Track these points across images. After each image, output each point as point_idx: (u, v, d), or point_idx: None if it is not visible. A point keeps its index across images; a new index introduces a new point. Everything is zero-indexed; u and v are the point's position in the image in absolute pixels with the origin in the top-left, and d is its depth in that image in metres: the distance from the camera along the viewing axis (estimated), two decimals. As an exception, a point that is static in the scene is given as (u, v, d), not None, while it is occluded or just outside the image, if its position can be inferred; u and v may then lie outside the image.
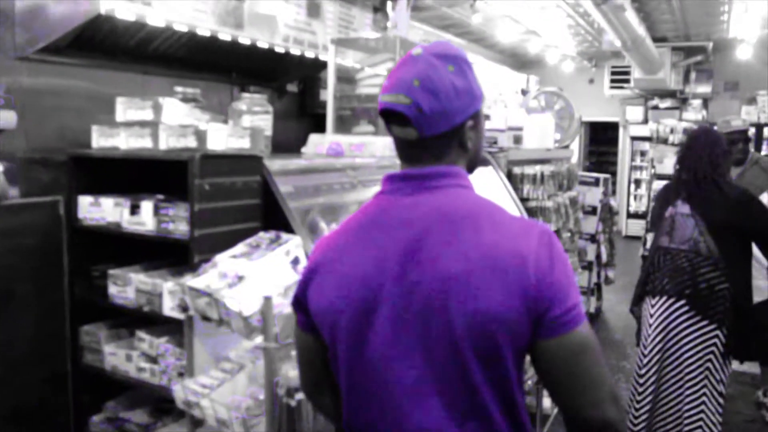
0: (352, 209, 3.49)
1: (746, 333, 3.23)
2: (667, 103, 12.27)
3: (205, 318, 2.09)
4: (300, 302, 1.35)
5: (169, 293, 2.53)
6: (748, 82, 11.49)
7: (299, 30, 4.47)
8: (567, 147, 6.54)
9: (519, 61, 13.01)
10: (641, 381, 3.37)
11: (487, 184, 4.62)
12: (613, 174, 13.76)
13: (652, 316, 3.34)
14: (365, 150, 3.67)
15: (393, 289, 1.20)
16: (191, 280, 2.11)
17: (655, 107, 12.37)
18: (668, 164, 8.05)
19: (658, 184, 8.12)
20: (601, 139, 15.16)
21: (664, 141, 9.04)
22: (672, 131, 8.87)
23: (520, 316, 1.13)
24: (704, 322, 3.19)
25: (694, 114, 11.74)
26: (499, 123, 5.33)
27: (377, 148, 3.66)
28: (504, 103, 7.94)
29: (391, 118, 1.24)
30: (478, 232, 1.17)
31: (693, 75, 11.84)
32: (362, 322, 1.22)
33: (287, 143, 4.14)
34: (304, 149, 3.76)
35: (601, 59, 12.66)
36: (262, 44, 4.18)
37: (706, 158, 3.28)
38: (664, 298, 3.29)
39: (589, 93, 12.98)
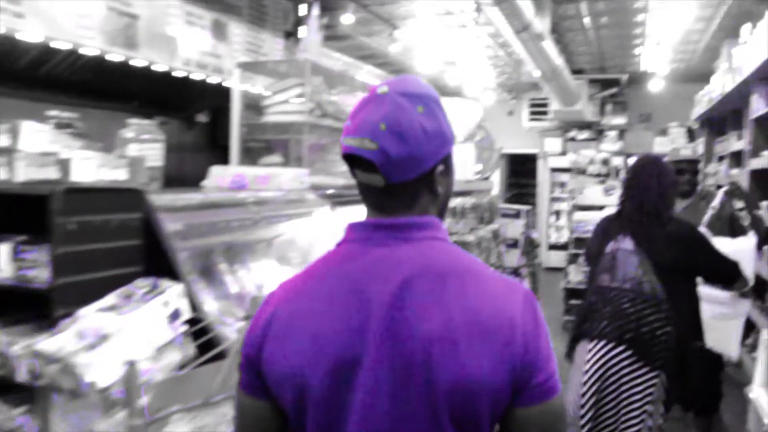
0: (257, 248, 3.16)
1: (689, 380, 3.03)
2: (584, 134, 12.42)
3: (58, 388, 1.71)
4: (252, 363, 1.19)
5: (19, 357, 2.12)
6: (660, 114, 11.75)
7: (203, 53, 4.14)
8: (488, 179, 6.39)
9: (439, 92, 12.87)
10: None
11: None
12: (533, 206, 13.84)
13: (588, 361, 3.08)
14: (271, 182, 3.36)
15: (372, 351, 1.10)
16: (42, 342, 1.73)
17: (573, 138, 12.51)
18: (588, 195, 8.02)
19: (579, 216, 8.08)
20: (521, 171, 15.26)
21: (583, 172, 9.05)
22: (591, 162, 8.90)
23: (505, 382, 1.09)
24: (645, 369, 2.96)
25: (610, 145, 11.89)
26: (418, 153, 5.12)
27: (284, 181, 3.35)
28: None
29: (355, 162, 1.17)
30: (463, 291, 1.11)
31: (609, 107, 12.04)
32: (339, 389, 1.11)
33: (196, 177, 3.80)
34: (204, 182, 3.43)
35: (521, 91, 12.75)
36: (160, 67, 3.83)
37: (654, 189, 3.07)
38: (603, 342, 3.03)
39: (508, 125, 13.02)
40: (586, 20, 7.77)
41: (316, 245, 3.58)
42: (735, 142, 7.60)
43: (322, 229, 3.47)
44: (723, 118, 8.64)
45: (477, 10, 6.41)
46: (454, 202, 4.72)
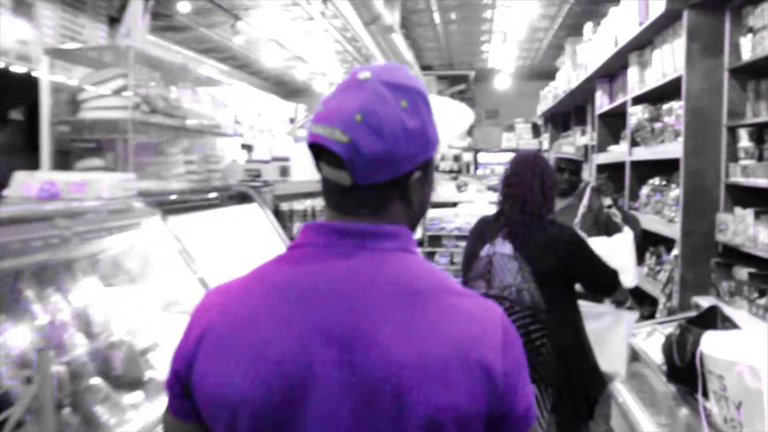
0: (76, 268, 2.67)
1: (579, 393, 2.84)
2: (434, 131, 12.44)
3: None
4: (181, 381, 1.04)
5: None
6: (506, 111, 12.01)
7: (2, 37, 3.52)
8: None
9: (286, 89, 12.55)
10: None
11: (251, 225, 3.96)
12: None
13: None
14: (89, 190, 2.85)
15: (326, 376, 0.96)
16: None
17: (424, 135, 12.52)
18: (441, 192, 7.96)
19: (432, 213, 8.00)
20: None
21: (435, 168, 9.03)
22: (443, 158, 8.85)
23: (482, 413, 0.98)
24: None
25: (460, 141, 12.01)
26: (263, 153, 4.71)
27: (105, 188, 2.85)
28: (270, 132, 7.39)
29: (321, 154, 1.01)
30: (437, 312, 0.99)
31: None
32: (283, 415, 0.97)
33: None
34: (6, 192, 2.87)
35: (370, 88, 12.58)
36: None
37: (537, 188, 2.82)
38: None
39: (359, 122, 12.84)
40: (436, 15, 7.67)
41: (147, 260, 3.13)
42: (579, 137, 7.79)
43: (152, 241, 3.02)
44: (567, 114, 8.88)
45: (325, 1, 6.10)
46: (304, 205, 4.36)
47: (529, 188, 2.82)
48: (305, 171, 4.82)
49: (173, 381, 1.06)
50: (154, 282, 3.11)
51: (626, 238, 3.38)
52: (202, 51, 9.05)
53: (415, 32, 8.70)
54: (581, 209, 3.68)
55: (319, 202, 4.47)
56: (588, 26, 6.47)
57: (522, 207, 2.82)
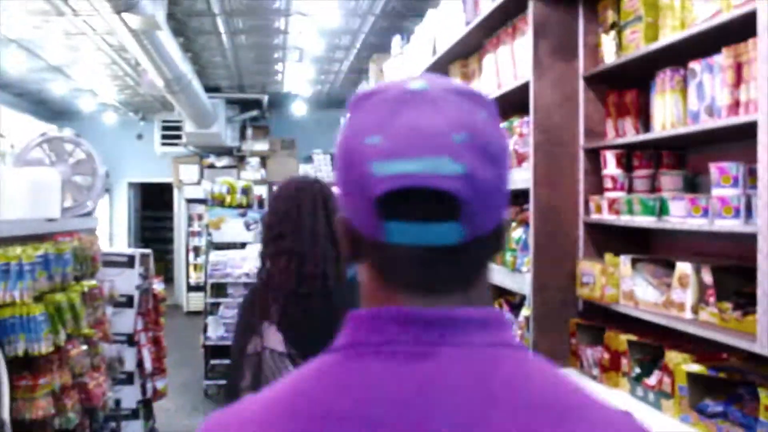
0: None
1: None
2: (223, 161, 11.23)
3: None
4: None
5: None
6: (304, 140, 11.02)
7: None
8: (90, 214, 4.67)
9: (48, 109, 10.64)
10: None
11: None
12: (172, 242, 12.26)
13: None
14: None
15: None
16: None
17: (211, 166, 11.21)
18: (227, 231, 6.76)
19: (215, 256, 6.76)
20: (157, 203, 13.61)
21: (222, 203, 7.71)
22: (230, 191, 7.56)
23: None
24: None
25: (252, 173, 10.84)
26: (-53, 178, 3.24)
27: None
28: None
29: (398, 207, 0.63)
30: None
31: (249, 131, 10.98)
32: None
33: None
34: None
35: (150, 112, 11.13)
36: None
37: (321, 231, 1.79)
38: None
39: (138, 150, 11.65)
40: (219, 20, 6.40)
41: None
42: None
43: None
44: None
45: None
46: (13, 253, 2.95)
47: (310, 234, 1.78)
48: (24, 207, 3.43)
49: None
50: None
51: None
52: None
53: (197, 43, 7.39)
54: None
55: (32, 251, 3.06)
56: (396, 39, 5.61)
57: (299, 268, 1.75)
